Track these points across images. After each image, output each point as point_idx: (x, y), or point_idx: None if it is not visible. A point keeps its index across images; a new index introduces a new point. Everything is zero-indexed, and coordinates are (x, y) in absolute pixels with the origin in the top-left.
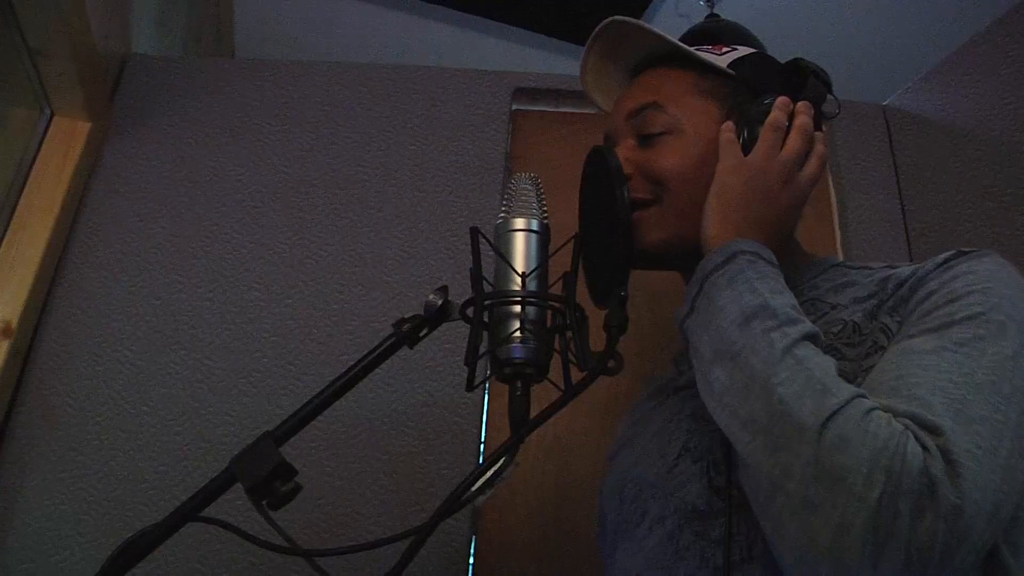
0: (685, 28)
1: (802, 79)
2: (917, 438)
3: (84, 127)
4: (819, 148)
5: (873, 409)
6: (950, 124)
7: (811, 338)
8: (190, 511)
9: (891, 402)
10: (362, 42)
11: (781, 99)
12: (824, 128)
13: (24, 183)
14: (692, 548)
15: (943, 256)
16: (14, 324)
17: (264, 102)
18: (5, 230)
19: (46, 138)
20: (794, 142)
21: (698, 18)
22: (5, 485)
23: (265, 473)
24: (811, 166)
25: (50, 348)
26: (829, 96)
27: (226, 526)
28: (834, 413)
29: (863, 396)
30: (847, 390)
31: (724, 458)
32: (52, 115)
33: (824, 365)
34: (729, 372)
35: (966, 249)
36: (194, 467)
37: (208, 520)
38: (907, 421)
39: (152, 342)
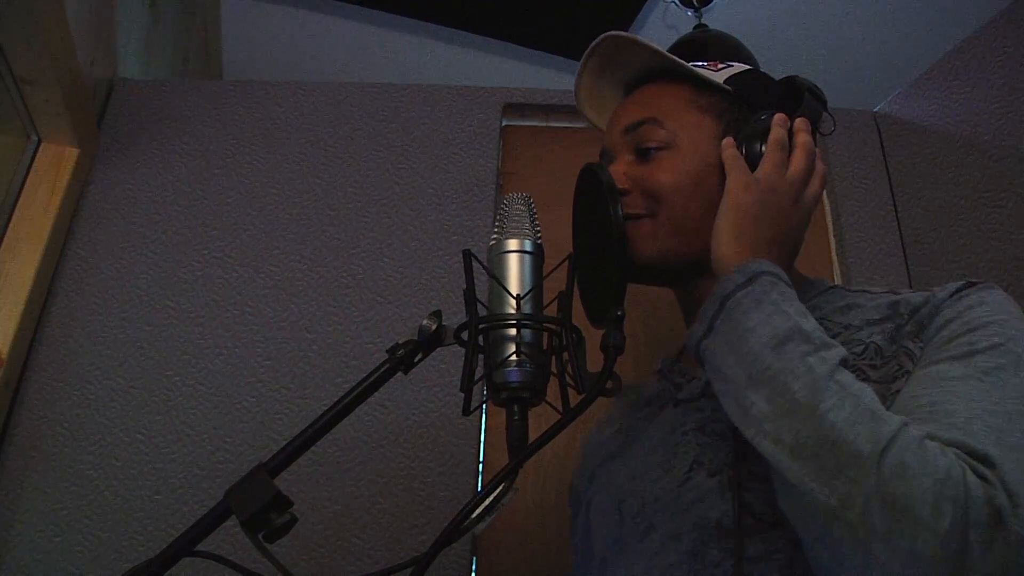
0: (673, 39)
1: (798, 96)
2: (973, 469)
3: (72, 153)
4: (819, 166)
5: (924, 437)
6: (942, 129)
7: (844, 363)
8: (185, 546)
9: (933, 429)
10: (350, 61)
11: (779, 116)
12: (818, 147)
13: (12, 211)
14: (723, 566)
15: (954, 286)
16: (4, 354)
17: (253, 123)
18: None
19: (33, 165)
20: (799, 160)
21: (686, 29)
22: None
23: (260, 506)
24: (814, 185)
25: (41, 378)
26: (824, 113)
27: (222, 560)
28: (891, 440)
29: (908, 424)
30: (895, 417)
31: (749, 475)
32: (39, 142)
33: (865, 391)
34: (768, 397)
35: (973, 280)
36: (190, 496)
37: (203, 555)
38: (955, 450)
39: (144, 369)
